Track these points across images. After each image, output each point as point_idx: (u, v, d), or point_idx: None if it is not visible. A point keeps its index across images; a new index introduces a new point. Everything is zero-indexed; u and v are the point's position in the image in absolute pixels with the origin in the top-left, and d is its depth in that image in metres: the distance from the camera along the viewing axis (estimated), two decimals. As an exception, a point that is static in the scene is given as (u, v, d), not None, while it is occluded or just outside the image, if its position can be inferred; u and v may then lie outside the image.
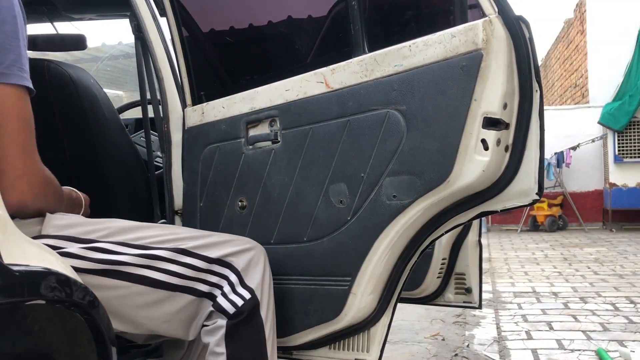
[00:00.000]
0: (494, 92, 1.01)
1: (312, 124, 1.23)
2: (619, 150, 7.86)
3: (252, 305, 1.08)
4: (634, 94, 7.65)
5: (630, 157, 7.84)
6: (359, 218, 1.17)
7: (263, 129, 1.32)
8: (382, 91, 1.13)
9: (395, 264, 1.19)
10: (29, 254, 0.80)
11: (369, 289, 1.18)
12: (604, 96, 8.35)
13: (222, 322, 1.07)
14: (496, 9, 1.02)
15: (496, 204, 1.09)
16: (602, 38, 8.65)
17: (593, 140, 8.07)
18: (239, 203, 1.36)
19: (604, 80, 8.53)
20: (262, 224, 1.32)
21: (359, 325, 1.24)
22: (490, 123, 1.03)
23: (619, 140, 7.86)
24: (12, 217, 0.88)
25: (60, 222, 1.03)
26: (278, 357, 1.35)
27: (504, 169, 1.06)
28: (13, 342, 0.83)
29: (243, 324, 1.07)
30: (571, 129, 8.20)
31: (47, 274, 0.78)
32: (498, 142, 1.04)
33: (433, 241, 1.19)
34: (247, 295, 1.08)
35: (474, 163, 1.04)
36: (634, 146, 7.84)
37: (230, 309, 1.07)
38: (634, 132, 7.83)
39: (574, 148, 8.08)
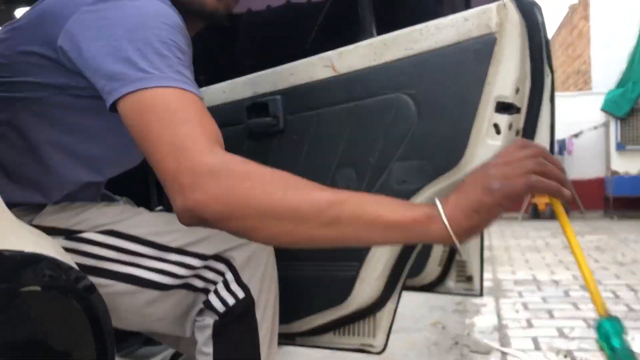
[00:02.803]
0: (507, 76, 1.01)
1: (318, 108, 1.22)
2: (621, 138, 7.83)
3: (246, 305, 1.01)
4: (637, 81, 7.61)
5: (633, 145, 7.82)
6: None
7: (266, 114, 1.30)
8: (392, 75, 1.12)
9: (402, 248, 1.19)
10: (23, 239, 0.78)
11: (376, 274, 1.18)
12: (607, 83, 8.31)
13: (210, 320, 1.00)
14: None
15: None
16: (606, 24, 8.59)
17: (595, 128, 8.04)
18: None
19: (607, 67, 8.49)
20: None
21: (365, 311, 1.23)
22: (503, 107, 1.03)
23: (621, 127, 7.83)
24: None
25: (51, 209, 0.99)
26: (281, 344, 1.33)
27: None
28: (7, 329, 0.82)
29: (233, 324, 1.00)
30: (573, 116, 8.17)
31: (43, 259, 0.77)
32: (510, 126, 1.04)
33: None
34: (241, 294, 1.00)
35: (486, 147, 1.03)
36: (637, 134, 7.81)
37: (221, 308, 1.00)
38: (637, 119, 7.80)
39: (576, 135, 8.06)
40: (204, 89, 1.43)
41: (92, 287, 0.84)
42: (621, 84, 7.96)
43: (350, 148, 1.18)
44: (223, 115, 1.36)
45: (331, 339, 1.29)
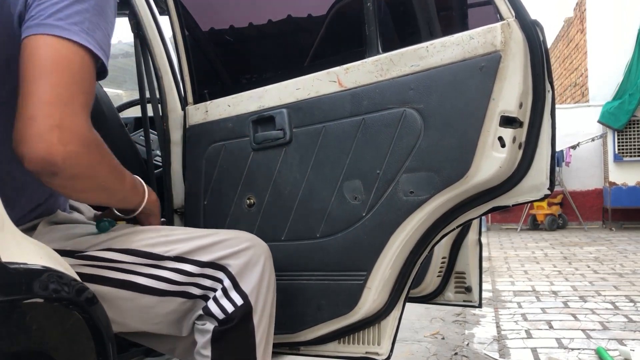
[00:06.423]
0: (511, 92, 1.05)
1: (325, 122, 1.25)
2: (618, 149, 7.86)
3: (244, 311, 1.04)
4: (634, 93, 7.65)
5: (630, 156, 7.83)
6: (374, 214, 1.19)
7: (272, 127, 1.32)
8: (398, 90, 1.16)
9: (407, 258, 1.22)
10: (26, 251, 0.79)
11: (383, 282, 1.21)
12: (604, 95, 8.35)
13: (210, 326, 1.04)
14: (513, 13, 1.06)
15: (509, 198, 1.13)
16: (602, 37, 8.65)
17: (593, 139, 8.07)
18: (247, 201, 1.36)
19: (604, 79, 8.53)
20: (272, 221, 1.32)
21: (371, 319, 1.25)
22: (507, 121, 1.07)
23: (618, 139, 7.85)
24: (38, 174, 0.81)
25: (44, 229, 1.01)
26: (285, 354, 1.34)
27: (517, 166, 1.10)
28: (10, 340, 0.83)
29: (232, 331, 1.03)
30: (571, 128, 8.20)
31: (45, 271, 0.77)
32: (514, 139, 1.08)
33: (444, 236, 1.22)
34: (239, 301, 1.04)
35: (492, 160, 1.07)
36: (634, 145, 7.83)
37: (220, 315, 1.03)
38: (634, 131, 7.82)
39: (573, 147, 8.08)
40: (208, 102, 1.45)
41: (94, 299, 0.85)
42: (618, 96, 8.00)
43: (357, 160, 1.21)
44: (229, 127, 1.38)
45: (336, 347, 1.31)
